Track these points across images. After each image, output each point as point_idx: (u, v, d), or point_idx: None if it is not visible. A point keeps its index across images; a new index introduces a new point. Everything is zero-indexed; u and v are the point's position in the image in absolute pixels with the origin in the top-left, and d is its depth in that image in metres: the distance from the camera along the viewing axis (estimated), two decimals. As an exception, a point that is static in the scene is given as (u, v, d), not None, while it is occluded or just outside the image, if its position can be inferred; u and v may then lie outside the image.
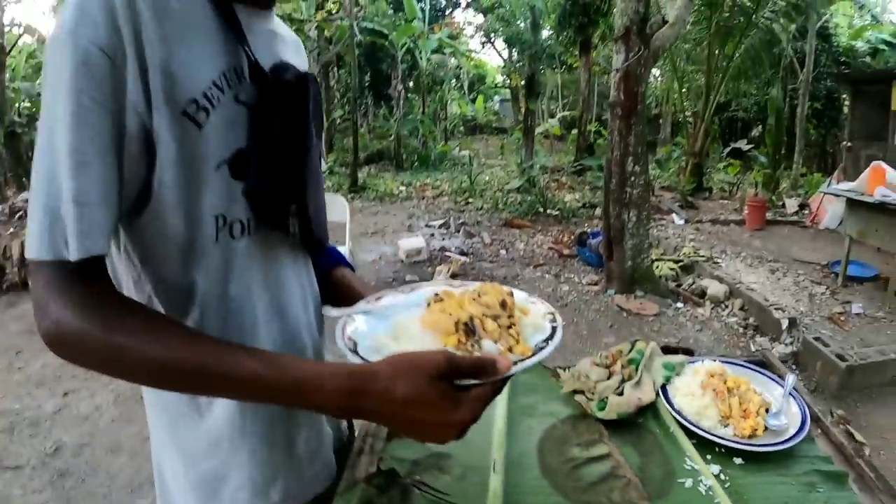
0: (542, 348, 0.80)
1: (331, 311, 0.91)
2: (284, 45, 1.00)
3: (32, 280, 0.74)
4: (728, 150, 12.47)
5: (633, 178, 5.58)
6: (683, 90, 11.55)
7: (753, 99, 13.06)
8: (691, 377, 1.31)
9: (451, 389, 0.70)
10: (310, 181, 0.95)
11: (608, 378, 1.35)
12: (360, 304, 0.93)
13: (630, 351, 1.41)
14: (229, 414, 0.92)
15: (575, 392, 1.33)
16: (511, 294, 0.90)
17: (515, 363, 0.75)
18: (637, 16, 5.37)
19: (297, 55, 1.05)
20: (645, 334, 4.80)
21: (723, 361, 1.36)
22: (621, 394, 1.28)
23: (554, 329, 0.86)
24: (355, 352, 0.78)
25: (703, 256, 6.75)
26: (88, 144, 0.73)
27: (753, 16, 9.69)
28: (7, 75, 14.53)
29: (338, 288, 1.13)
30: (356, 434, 1.20)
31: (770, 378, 1.32)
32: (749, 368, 1.36)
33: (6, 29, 12.83)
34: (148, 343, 0.72)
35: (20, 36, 16.52)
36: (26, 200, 11.91)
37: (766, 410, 1.21)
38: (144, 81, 0.75)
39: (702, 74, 10.81)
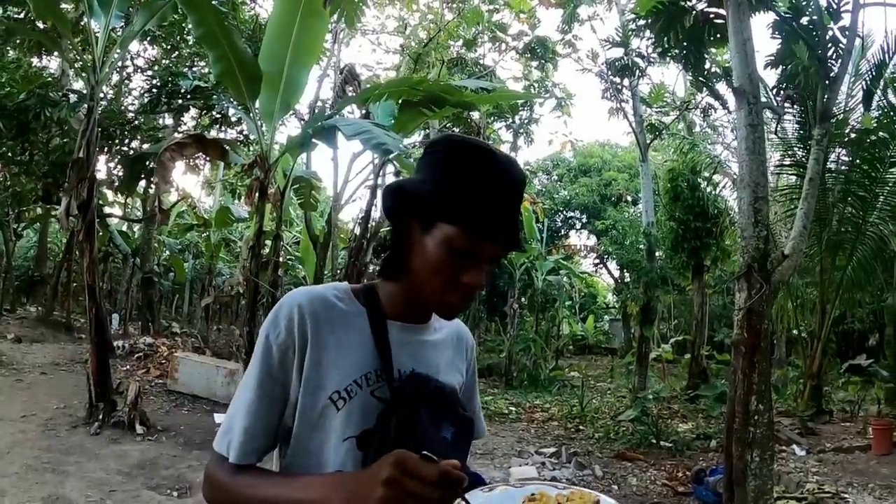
0: None
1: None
2: (435, 350, 1.28)
3: (211, 455, 1.17)
4: (846, 366, 11.85)
5: (756, 417, 5.33)
6: (796, 307, 11.33)
7: (868, 308, 12.58)
8: None
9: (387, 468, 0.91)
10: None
11: None
12: (476, 492, 1.07)
13: None
14: None
15: None
16: (598, 502, 1.04)
17: None
18: (758, 252, 5.35)
19: (456, 354, 1.34)
20: (771, 592, 4.50)
21: None
22: None
23: None
24: None
25: (828, 493, 6.31)
26: (259, 402, 1.15)
27: (862, 225, 9.66)
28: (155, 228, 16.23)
29: None
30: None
31: None
32: None
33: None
34: (251, 494, 1.09)
35: (178, 201, 18.26)
36: (149, 343, 12.53)
37: None
38: (301, 372, 1.14)
39: (813, 288, 10.65)
